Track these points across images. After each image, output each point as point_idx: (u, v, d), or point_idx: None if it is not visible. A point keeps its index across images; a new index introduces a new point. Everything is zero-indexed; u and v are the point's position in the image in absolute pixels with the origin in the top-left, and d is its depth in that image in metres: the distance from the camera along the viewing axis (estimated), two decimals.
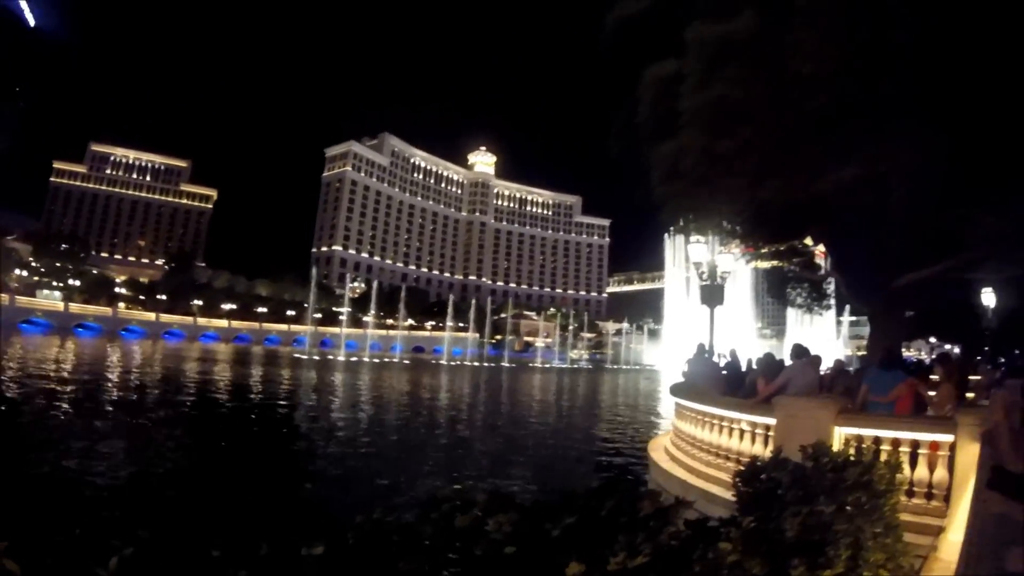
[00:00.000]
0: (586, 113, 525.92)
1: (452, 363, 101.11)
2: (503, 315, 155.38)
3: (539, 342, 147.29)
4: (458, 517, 3.02)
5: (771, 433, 10.88)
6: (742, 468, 5.52)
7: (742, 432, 11.95)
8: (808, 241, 28.05)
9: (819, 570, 3.64)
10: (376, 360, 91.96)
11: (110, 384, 41.25)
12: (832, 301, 31.73)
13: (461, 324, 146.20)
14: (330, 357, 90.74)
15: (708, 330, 20.02)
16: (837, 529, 4.13)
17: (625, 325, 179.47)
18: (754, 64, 16.64)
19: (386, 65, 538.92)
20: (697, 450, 13.60)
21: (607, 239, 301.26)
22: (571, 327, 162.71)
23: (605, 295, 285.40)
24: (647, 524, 2.95)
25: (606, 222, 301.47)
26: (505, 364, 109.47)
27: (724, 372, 16.95)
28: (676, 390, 16.28)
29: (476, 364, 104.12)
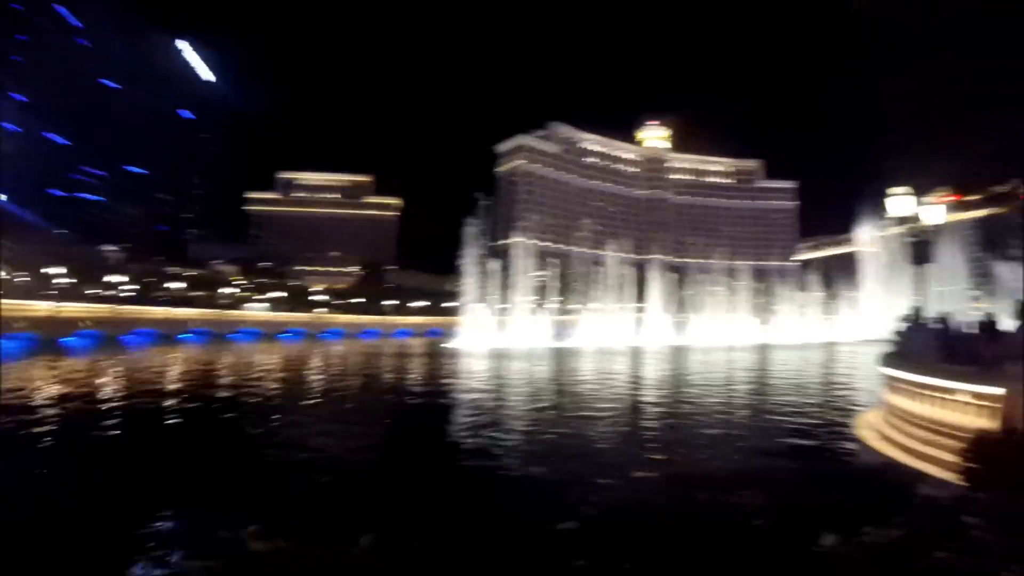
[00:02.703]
0: (761, 72, 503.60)
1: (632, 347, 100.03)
2: (689, 291, 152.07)
3: (726, 318, 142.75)
4: (701, 493, 3.17)
5: (997, 404, 9.74)
6: (962, 444, 5.23)
7: (964, 404, 10.71)
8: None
9: None
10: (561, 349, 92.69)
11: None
12: None
13: (645, 304, 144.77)
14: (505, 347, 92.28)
15: (918, 293, 18.85)
16: None
17: (818, 295, 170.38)
18: None
19: (546, 53, 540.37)
20: (911, 426, 12.65)
21: (796, 202, 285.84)
22: (760, 301, 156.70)
23: (797, 263, 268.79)
24: (889, 498, 2.99)
25: (792, 184, 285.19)
26: (681, 344, 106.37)
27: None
28: (887, 360, 15.33)
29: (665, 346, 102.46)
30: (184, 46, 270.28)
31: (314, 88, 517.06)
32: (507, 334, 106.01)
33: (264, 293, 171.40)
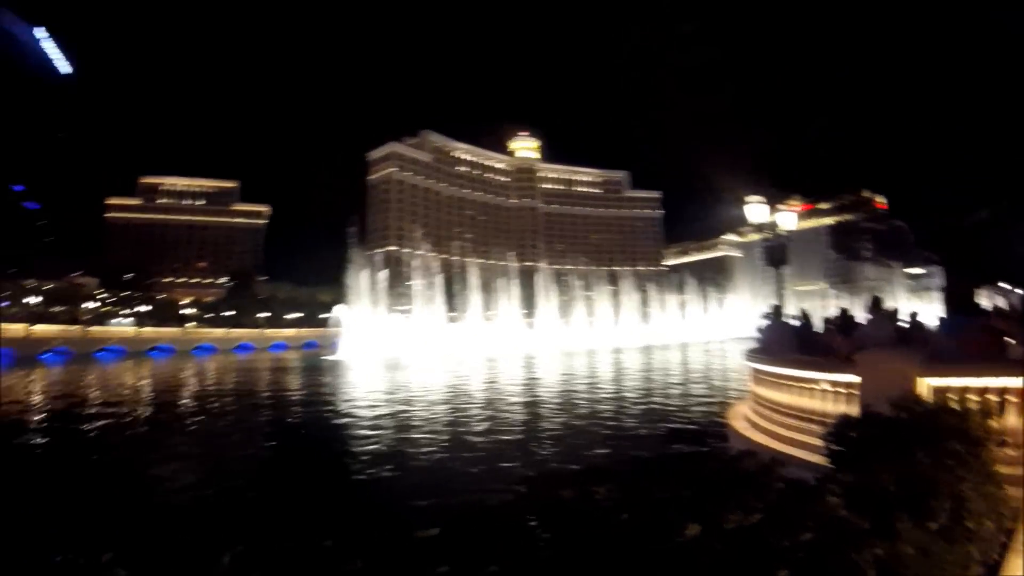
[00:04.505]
0: (626, 87, 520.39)
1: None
2: (568, 297, 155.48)
3: (609, 321, 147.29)
4: (564, 490, 3.14)
5: (854, 391, 10.68)
6: (828, 429, 5.49)
7: (824, 392, 11.72)
8: (866, 193, 27.56)
9: (924, 521, 3.62)
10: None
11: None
12: (899, 252, 30.82)
13: (529, 310, 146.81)
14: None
15: (776, 292, 19.83)
16: (938, 480, 4.07)
17: (687, 296, 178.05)
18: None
19: (419, 63, 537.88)
20: (778, 415, 13.44)
21: (660, 211, 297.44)
22: (638, 304, 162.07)
23: (664, 267, 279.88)
24: (751, 483, 3.03)
25: (657, 194, 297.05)
26: (568, 348, 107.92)
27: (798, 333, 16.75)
28: (751, 355, 16.09)
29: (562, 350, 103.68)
30: (42, 34, 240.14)
31: (180, 88, 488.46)
32: (388, 344, 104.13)
33: (129, 307, 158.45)
